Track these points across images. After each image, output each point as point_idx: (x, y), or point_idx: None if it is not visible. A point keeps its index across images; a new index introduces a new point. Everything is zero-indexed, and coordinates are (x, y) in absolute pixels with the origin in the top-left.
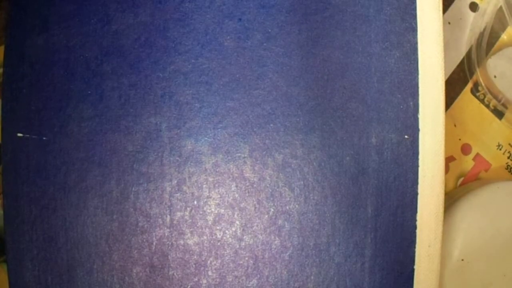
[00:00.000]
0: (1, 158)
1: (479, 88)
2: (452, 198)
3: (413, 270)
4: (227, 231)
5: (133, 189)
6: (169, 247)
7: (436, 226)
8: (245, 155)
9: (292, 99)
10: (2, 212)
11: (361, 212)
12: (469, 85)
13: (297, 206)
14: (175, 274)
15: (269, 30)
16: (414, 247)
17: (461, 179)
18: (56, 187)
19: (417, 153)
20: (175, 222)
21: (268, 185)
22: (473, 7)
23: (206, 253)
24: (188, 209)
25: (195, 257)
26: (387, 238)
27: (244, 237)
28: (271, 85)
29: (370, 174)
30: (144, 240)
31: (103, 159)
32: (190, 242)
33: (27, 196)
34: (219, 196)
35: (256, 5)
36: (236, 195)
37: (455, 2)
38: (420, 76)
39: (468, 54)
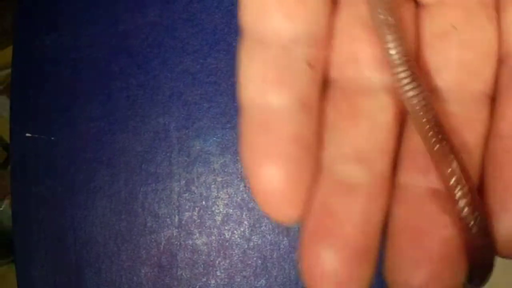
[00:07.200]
0: (10, 158)
1: None
2: None
3: None
4: (235, 231)
5: (142, 189)
6: (178, 247)
7: None
8: None
9: None
10: (10, 212)
11: None
12: None
13: None
14: (183, 274)
15: None
16: None
17: None
18: (65, 187)
19: None
20: (183, 222)
21: None
22: None
23: (214, 253)
24: (196, 209)
25: (204, 257)
26: None
27: (253, 237)
28: None
29: None
30: (153, 240)
31: (111, 159)
32: (198, 242)
33: (36, 196)
34: (227, 196)
35: None
36: (245, 195)
37: None
38: None
39: None
